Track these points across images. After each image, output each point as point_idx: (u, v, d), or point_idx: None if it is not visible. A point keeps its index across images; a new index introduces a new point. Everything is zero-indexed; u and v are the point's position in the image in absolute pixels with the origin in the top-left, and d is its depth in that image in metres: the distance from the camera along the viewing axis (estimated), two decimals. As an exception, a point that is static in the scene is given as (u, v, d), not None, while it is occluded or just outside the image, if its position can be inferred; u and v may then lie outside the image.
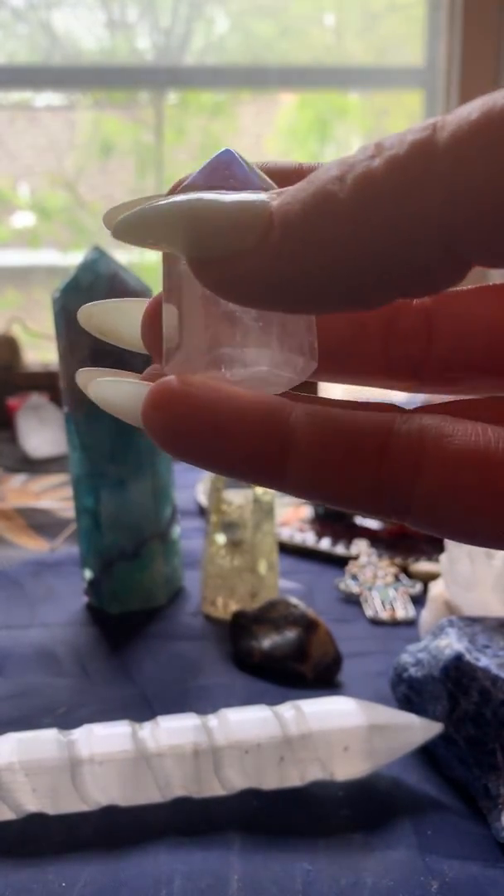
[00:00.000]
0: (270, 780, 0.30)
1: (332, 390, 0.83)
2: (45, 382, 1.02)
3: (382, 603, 0.49)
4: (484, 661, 0.31)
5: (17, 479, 0.80)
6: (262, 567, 0.47)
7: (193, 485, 0.71)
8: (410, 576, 0.53)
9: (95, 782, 0.29)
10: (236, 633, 0.43)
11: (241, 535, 0.46)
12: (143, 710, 0.37)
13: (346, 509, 0.13)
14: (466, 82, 1.17)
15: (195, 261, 0.12)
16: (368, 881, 0.27)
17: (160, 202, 0.12)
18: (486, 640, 0.33)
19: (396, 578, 0.51)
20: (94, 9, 1.30)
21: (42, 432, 0.92)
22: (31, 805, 0.29)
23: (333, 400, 0.15)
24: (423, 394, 0.18)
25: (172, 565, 0.51)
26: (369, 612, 0.48)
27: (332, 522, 0.62)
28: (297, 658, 0.40)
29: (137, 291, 0.45)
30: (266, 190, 0.12)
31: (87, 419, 0.46)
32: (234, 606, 0.46)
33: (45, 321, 0.99)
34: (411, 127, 0.11)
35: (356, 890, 0.26)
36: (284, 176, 0.14)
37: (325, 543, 0.58)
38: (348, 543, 0.58)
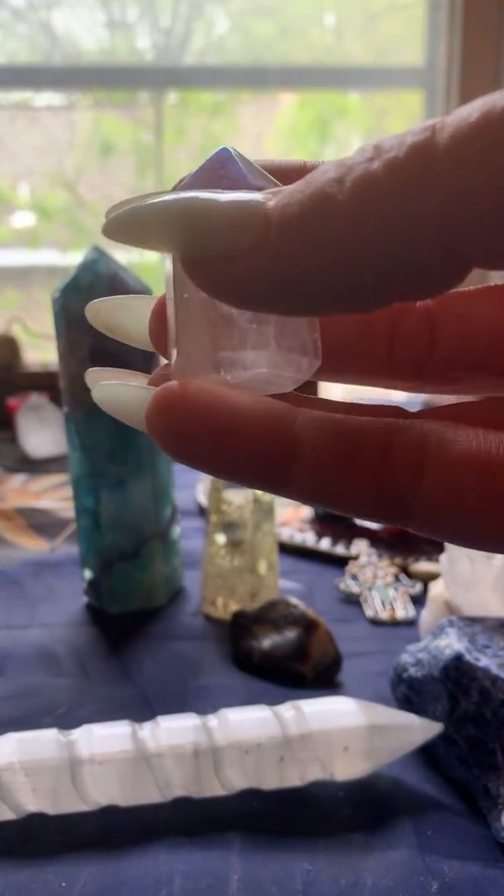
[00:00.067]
0: (270, 780, 0.30)
1: (331, 390, 0.82)
2: (45, 382, 1.02)
3: (382, 603, 0.49)
4: (484, 661, 0.31)
5: (17, 479, 0.80)
6: (262, 567, 0.47)
7: (193, 485, 0.71)
8: (410, 576, 0.53)
9: (95, 782, 0.29)
10: (236, 633, 0.43)
11: (241, 535, 0.46)
12: (143, 710, 0.37)
13: (349, 515, 0.13)
14: (466, 82, 1.17)
15: (189, 261, 0.12)
16: (368, 881, 0.27)
17: (152, 200, 0.12)
18: (486, 640, 0.33)
19: (396, 578, 0.51)
20: (94, 9, 1.30)
21: (42, 432, 0.92)
22: (31, 805, 0.29)
23: (335, 403, 0.15)
24: (424, 393, 0.18)
25: (172, 565, 0.51)
26: (369, 612, 0.48)
27: (332, 523, 0.61)
28: (297, 658, 0.40)
29: (137, 291, 0.45)
30: (261, 189, 0.12)
31: (87, 419, 0.46)
32: (234, 606, 0.46)
33: (44, 321, 0.99)
34: (410, 129, 0.11)
35: (356, 890, 0.26)
36: (288, 174, 0.14)
37: (325, 543, 0.58)
38: (348, 543, 0.58)
